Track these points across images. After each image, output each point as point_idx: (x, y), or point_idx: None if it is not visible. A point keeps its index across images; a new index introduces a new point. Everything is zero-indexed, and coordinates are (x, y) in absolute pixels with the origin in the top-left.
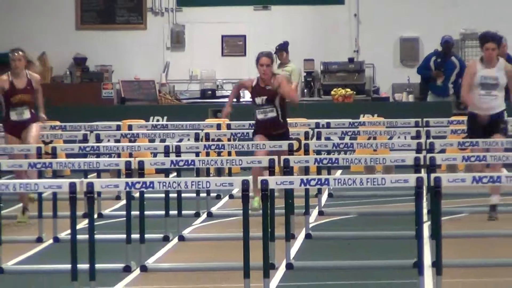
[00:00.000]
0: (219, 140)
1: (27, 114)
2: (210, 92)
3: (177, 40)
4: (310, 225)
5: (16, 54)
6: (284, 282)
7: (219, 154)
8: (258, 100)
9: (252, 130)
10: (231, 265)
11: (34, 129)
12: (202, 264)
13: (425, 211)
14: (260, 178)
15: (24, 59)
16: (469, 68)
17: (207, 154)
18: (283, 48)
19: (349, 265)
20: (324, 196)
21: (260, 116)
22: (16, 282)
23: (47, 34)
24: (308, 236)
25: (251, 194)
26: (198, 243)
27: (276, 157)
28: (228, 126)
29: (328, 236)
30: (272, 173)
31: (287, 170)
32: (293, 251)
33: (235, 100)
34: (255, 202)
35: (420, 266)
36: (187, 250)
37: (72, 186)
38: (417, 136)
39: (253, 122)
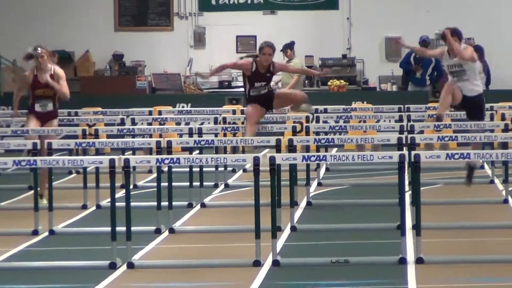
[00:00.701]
0: (234, 123)
1: (50, 107)
2: (226, 83)
3: (199, 39)
4: (311, 194)
5: (39, 50)
6: (288, 242)
7: (234, 134)
8: (258, 84)
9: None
10: (245, 228)
11: (55, 126)
12: (221, 227)
13: (406, 182)
14: (268, 154)
15: (47, 55)
16: None
17: (224, 135)
18: (288, 46)
19: (343, 228)
20: (322, 170)
21: (253, 93)
22: (64, 242)
23: (91, 35)
24: (309, 203)
25: None
26: (217, 210)
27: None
28: (242, 112)
29: (325, 203)
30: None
31: (291, 148)
32: (296, 216)
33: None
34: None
35: (403, 229)
36: (208, 215)
37: (112, 162)
38: (400, 119)
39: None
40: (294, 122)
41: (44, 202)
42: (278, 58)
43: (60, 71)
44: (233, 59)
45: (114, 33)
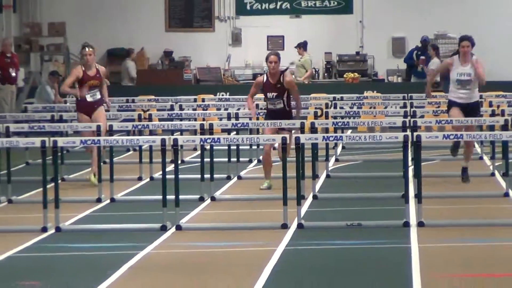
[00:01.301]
0: (264, 109)
1: (98, 95)
2: (259, 75)
3: (236, 39)
4: (329, 168)
5: (87, 49)
6: (311, 208)
7: (264, 118)
8: (270, 95)
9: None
10: (274, 196)
11: (103, 113)
12: (254, 196)
13: (409, 158)
14: (294, 135)
15: (93, 53)
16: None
17: (257, 119)
18: (300, 45)
19: (357, 196)
20: (339, 148)
21: (270, 107)
22: (123, 208)
23: (145, 35)
24: (328, 176)
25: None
26: (251, 181)
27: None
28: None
29: (342, 176)
30: (284, 149)
31: (313, 129)
32: (317, 186)
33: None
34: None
35: (406, 197)
36: (243, 186)
37: (163, 141)
38: (404, 106)
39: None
40: (316, 108)
41: (94, 181)
42: (290, 54)
43: (104, 69)
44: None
45: (165, 33)
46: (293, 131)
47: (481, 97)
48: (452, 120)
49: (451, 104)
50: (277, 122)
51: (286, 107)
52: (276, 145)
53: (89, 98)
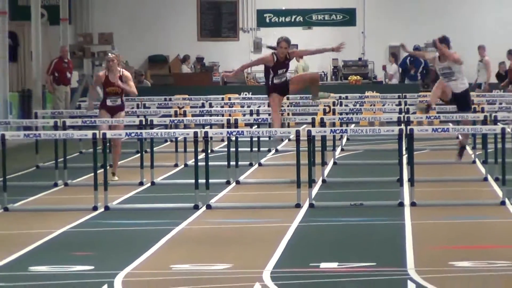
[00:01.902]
0: (282, 106)
1: (118, 102)
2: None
3: (257, 47)
4: (336, 157)
5: (110, 55)
6: (320, 190)
7: (281, 114)
8: (280, 71)
9: (267, 91)
10: (288, 180)
11: (121, 120)
12: (272, 180)
13: (403, 148)
14: (306, 128)
15: (116, 59)
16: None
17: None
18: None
19: (359, 180)
20: (344, 140)
21: (277, 81)
22: (162, 190)
23: (180, 43)
24: (335, 163)
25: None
26: (270, 168)
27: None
28: (288, 98)
29: (347, 163)
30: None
31: (322, 124)
32: (326, 172)
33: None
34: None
35: (401, 181)
36: (263, 172)
37: (196, 133)
38: (399, 104)
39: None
40: (324, 106)
41: (115, 179)
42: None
43: (127, 73)
44: (252, 59)
45: (197, 42)
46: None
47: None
48: (442, 129)
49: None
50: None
51: (287, 79)
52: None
53: (109, 103)
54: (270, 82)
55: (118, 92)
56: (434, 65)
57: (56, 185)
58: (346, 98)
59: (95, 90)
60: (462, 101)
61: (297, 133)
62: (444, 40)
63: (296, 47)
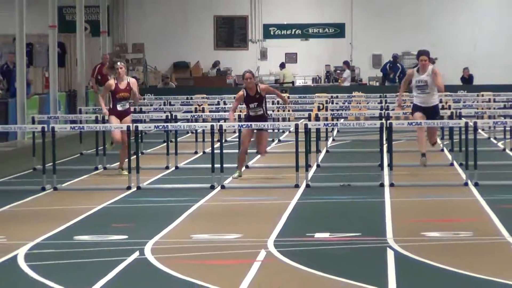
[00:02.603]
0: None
1: (127, 105)
2: (280, 81)
3: (263, 55)
4: (328, 146)
5: (119, 64)
6: (315, 173)
7: (283, 110)
8: (252, 105)
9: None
10: (290, 165)
11: (130, 122)
12: (276, 164)
13: (384, 139)
14: (303, 122)
15: (124, 68)
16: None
17: (278, 110)
18: (281, 64)
19: (347, 165)
20: (335, 132)
21: (252, 114)
22: (184, 173)
23: (200, 52)
24: (327, 151)
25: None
26: (274, 155)
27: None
28: (288, 97)
29: (337, 151)
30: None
31: (317, 118)
32: (320, 158)
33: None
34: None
35: (382, 166)
36: (268, 158)
37: (212, 126)
38: (380, 102)
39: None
40: (319, 103)
41: (124, 173)
42: (301, 66)
43: (134, 80)
44: (234, 101)
45: (214, 51)
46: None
47: (440, 101)
48: (415, 123)
49: (414, 107)
50: (255, 124)
51: (264, 112)
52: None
53: (119, 108)
54: (246, 115)
55: (126, 97)
56: (411, 77)
57: (96, 169)
58: (337, 97)
59: (103, 98)
60: (432, 114)
61: (296, 126)
62: (427, 54)
63: (296, 55)
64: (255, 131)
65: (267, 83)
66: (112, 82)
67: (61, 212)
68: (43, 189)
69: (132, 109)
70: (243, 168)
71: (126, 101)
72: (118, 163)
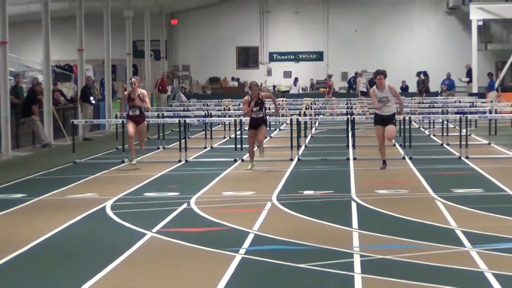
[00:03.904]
0: (283, 104)
1: (137, 112)
2: (283, 91)
3: (269, 73)
4: (312, 133)
5: (133, 79)
6: (304, 151)
7: (282, 109)
8: (254, 108)
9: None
10: (286, 145)
11: (144, 128)
12: (277, 145)
13: (349, 128)
14: (295, 117)
15: (137, 83)
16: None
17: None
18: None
19: (325, 145)
20: (317, 124)
21: (254, 116)
22: (216, 152)
23: (226, 70)
24: (312, 136)
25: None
26: (276, 139)
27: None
28: (285, 100)
29: (318, 137)
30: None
31: (305, 115)
32: (307, 141)
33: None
34: (249, 165)
35: (348, 146)
36: (274, 140)
37: (235, 120)
38: (347, 104)
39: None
40: (306, 105)
41: (133, 162)
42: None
43: (144, 92)
44: (243, 104)
45: (236, 69)
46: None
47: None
48: (376, 132)
49: (376, 116)
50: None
51: (264, 115)
52: (255, 148)
53: (130, 113)
54: (250, 116)
55: (138, 106)
56: (374, 94)
57: (158, 148)
58: (318, 100)
59: (124, 104)
60: (391, 120)
61: (291, 120)
62: (384, 74)
63: (291, 73)
64: (256, 130)
65: (271, 91)
66: (126, 93)
67: (134, 177)
68: (123, 161)
69: (148, 113)
70: (254, 163)
71: (137, 108)
72: (172, 144)
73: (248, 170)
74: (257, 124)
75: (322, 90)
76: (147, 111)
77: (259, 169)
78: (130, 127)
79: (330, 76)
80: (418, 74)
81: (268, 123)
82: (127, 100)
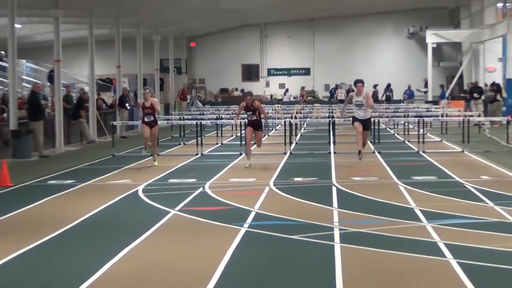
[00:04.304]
0: (246, 120)
1: (151, 118)
2: (278, 99)
3: (267, 85)
4: (302, 132)
5: (146, 90)
6: (295, 146)
7: (278, 112)
8: (249, 113)
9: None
10: (281, 142)
11: (156, 132)
12: (274, 142)
13: (331, 128)
14: (288, 120)
15: (150, 92)
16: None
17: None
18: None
19: (311, 142)
20: (305, 125)
21: (249, 118)
22: (227, 146)
23: (234, 82)
24: (301, 135)
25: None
26: (273, 136)
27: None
28: (280, 106)
29: (307, 135)
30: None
31: (295, 118)
32: (297, 138)
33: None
34: (247, 163)
35: (329, 142)
36: (270, 138)
37: (240, 122)
38: (328, 110)
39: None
40: (296, 110)
41: (155, 164)
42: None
43: (156, 100)
44: (238, 108)
45: (241, 82)
46: (262, 131)
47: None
48: (355, 128)
49: (353, 119)
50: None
51: (257, 118)
52: (253, 147)
53: (145, 119)
54: (247, 119)
55: (150, 112)
56: (351, 99)
57: (180, 144)
58: (306, 106)
59: (140, 110)
60: (367, 124)
61: (285, 122)
62: (363, 82)
63: (284, 85)
64: (254, 131)
65: (269, 100)
66: (141, 102)
67: (161, 167)
68: (152, 155)
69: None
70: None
71: (150, 115)
72: (191, 142)
73: (246, 167)
74: (252, 124)
75: (309, 98)
76: (159, 115)
77: (259, 161)
78: (146, 131)
79: (303, 88)
80: (375, 86)
81: (263, 126)
82: (142, 107)
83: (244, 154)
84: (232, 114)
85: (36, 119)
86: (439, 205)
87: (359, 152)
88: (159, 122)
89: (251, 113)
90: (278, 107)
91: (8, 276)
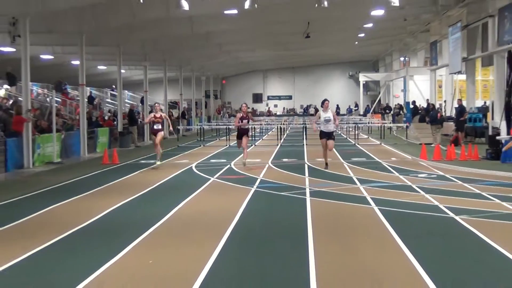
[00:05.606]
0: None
1: (160, 126)
2: (274, 113)
3: (267, 104)
4: (287, 132)
5: (156, 104)
6: (283, 142)
7: (272, 119)
8: (244, 121)
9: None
10: (273, 138)
11: (161, 136)
12: (270, 138)
13: (304, 132)
14: (279, 125)
15: (159, 106)
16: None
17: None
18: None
19: (293, 139)
20: (289, 129)
21: (242, 127)
22: (233, 148)
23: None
24: (287, 135)
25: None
26: (268, 136)
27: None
28: (272, 115)
29: (291, 134)
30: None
31: (283, 124)
32: (283, 137)
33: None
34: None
35: (303, 139)
36: (267, 138)
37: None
38: (303, 121)
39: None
40: (284, 120)
41: (158, 163)
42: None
43: (164, 114)
44: (236, 117)
45: (252, 103)
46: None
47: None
48: (322, 145)
49: (321, 132)
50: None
51: (248, 125)
52: (244, 155)
53: (155, 127)
54: (239, 127)
55: (160, 122)
56: (319, 116)
57: (216, 139)
58: (289, 118)
59: (149, 121)
60: (331, 136)
61: (277, 127)
62: (328, 100)
63: (277, 105)
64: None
65: (268, 113)
66: (152, 115)
67: (204, 153)
68: (199, 145)
69: (171, 128)
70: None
71: (159, 124)
72: (212, 142)
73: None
74: (242, 134)
75: (292, 113)
76: (168, 123)
77: (260, 148)
78: (155, 138)
79: (267, 104)
80: (323, 103)
81: (250, 133)
82: (152, 118)
83: (253, 146)
84: (241, 122)
85: (132, 125)
86: (367, 175)
87: (326, 164)
88: (192, 127)
89: (246, 121)
90: (273, 118)
91: (120, 215)
